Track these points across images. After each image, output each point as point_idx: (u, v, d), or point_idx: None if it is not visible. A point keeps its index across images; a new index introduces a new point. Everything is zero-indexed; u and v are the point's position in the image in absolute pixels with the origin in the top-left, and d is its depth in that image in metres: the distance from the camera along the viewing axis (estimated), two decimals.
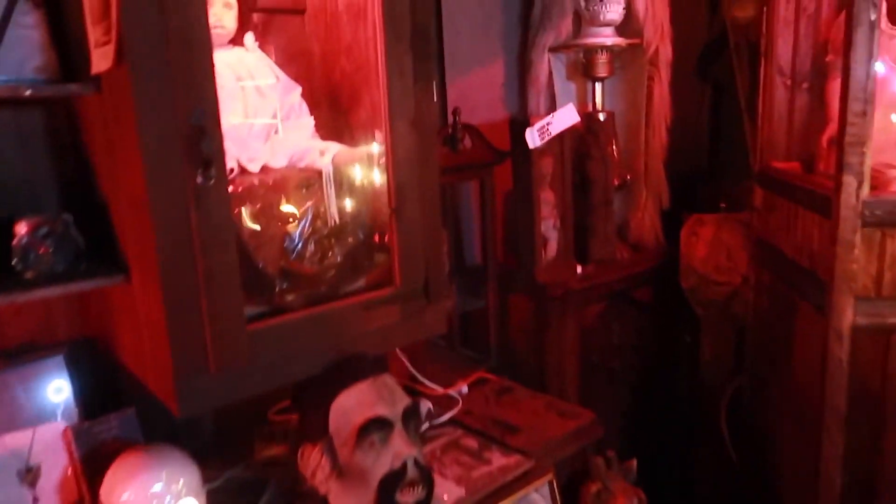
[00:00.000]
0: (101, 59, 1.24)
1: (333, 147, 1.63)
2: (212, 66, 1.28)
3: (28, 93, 1.28)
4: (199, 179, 1.28)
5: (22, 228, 1.37)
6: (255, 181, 1.51)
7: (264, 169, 1.59)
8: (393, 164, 1.57)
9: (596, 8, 2.20)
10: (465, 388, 2.10)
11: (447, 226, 2.26)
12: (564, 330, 2.21)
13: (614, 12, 2.21)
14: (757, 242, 2.13)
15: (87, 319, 1.71)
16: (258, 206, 1.50)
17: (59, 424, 1.56)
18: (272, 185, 1.53)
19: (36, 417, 1.56)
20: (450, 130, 2.03)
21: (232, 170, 1.50)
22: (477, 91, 2.43)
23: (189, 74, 1.25)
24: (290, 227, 1.55)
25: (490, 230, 2.20)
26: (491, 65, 2.45)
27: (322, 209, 1.59)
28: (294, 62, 1.91)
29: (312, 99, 1.86)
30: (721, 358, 2.34)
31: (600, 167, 2.25)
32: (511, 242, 2.35)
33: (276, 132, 1.74)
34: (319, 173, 1.60)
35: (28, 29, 1.47)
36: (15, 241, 1.35)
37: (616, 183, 2.32)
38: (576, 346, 2.25)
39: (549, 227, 2.20)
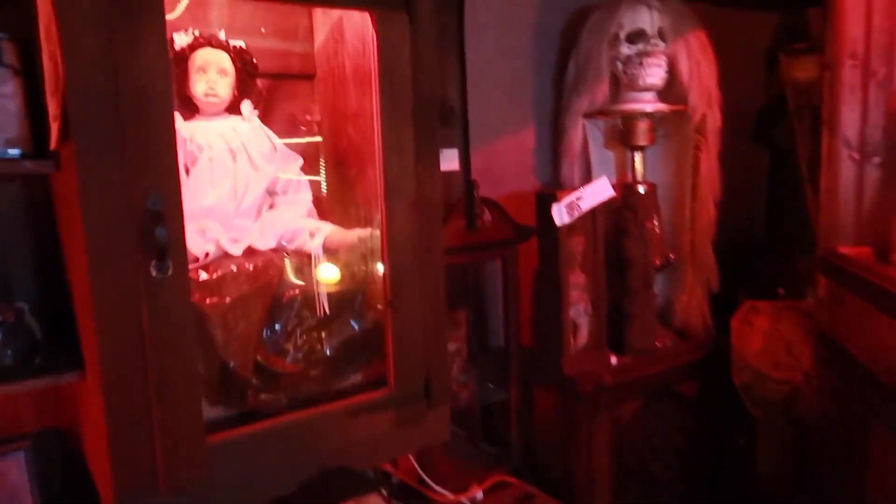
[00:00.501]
0: (55, 134, 1.11)
1: (325, 228, 1.46)
2: (173, 143, 1.13)
3: (29, 165, 1.15)
4: (154, 272, 1.11)
5: None
6: (234, 266, 1.35)
7: (248, 251, 1.43)
8: (388, 250, 1.38)
9: (634, 71, 2.00)
10: (480, 495, 1.85)
11: (468, 305, 2.05)
12: (596, 429, 1.95)
13: (655, 76, 2.00)
14: (821, 338, 1.84)
15: (59, 406, 1.56)
16: (236, 293, 1.33)
17: None
18: (253, 271, 1.36)
19: None
20: (467, 205, 1.83)
21: (207, 254, 1.35)
22: (505, 159, 2.24)
23: (145, 152, 1.10)
24: (273, 318, 1.38)
25: (513, 314, 1.98)
26: (521, 131, 2.27)
27: (310, 297, 1.42)
28: (300, 130, 1.77)
29: (314, 170, 1.72)
30: (780, 469, 2.02)
31: (639, 246, 2.01)
32: (539, 325, 2.12)
33: (271, 206, 1.59)
34: (310, 257, 1.43)
35: (4, 98, 1.38)
36: None
37: (657, 263, 2.07)
38: (609, 448, 1.97)
39: (580, 313, 1.96)
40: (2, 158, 1.28)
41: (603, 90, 2.08)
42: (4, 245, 1.45)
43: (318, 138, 1.75)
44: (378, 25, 1.32)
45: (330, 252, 1.43)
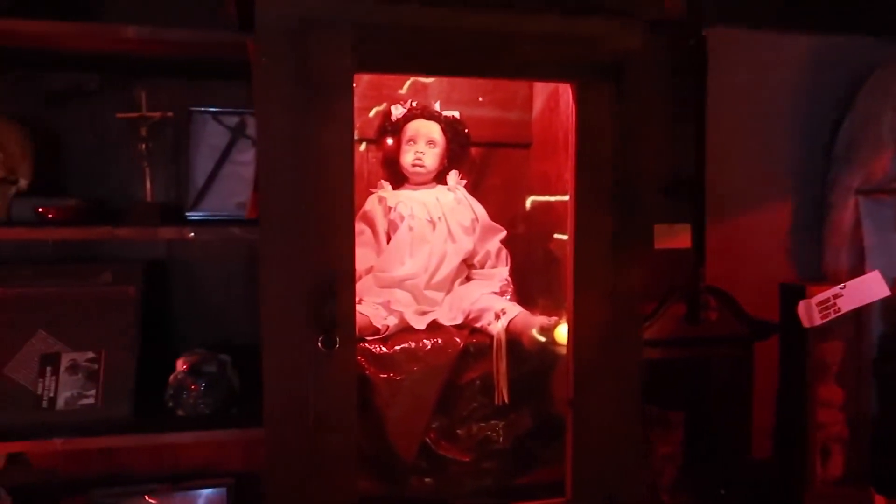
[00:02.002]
0: (250, 204, 1.18)
1: (512, 310, 1.35)
2: (351, 221, 1.12)
3: (236, 231, 1.24)
4: (320, 345, 1.11)
5: (181, 365, 1.35)
6: (412, 343, 1.31)
7: (432, 325, 1.39)
8: (574, 344, 1.23)
9: None
10: None
11: (688, 406, 1.78)
12: None
13: None
14: None
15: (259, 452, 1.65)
16: (412, 370, 1.28)
17: None
18: (432, 349, 1.31)
19: None
20: (690, 294, 1.60)
21: (387, 327, 1.32)
22: (751, 239, 1.93)
23: (323, 229, 1.11)
24: (447, 401, 1.30)
25: (742, 422, 1.66)
26: (773, 206, 1.94)
27: (490, 383, 1.32)
28: (512, 202, 1.71)
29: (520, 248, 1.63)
30: None
31: None
32: (779, 444, 1.76)
33: (468, 279, 1.53)
34: (493, 338, 1.34)
35: (242, 166, 1.53)
36: (171, 378, 1.34)
37: None
38: None
39: (833, 437, 1.58)
40: (229, 221, 1.39)
41: (883, 163, 1.69)
42: (227, 298, 1.59)
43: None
44: (578, 97, 1.21)
45: (514, 337, 1.32)
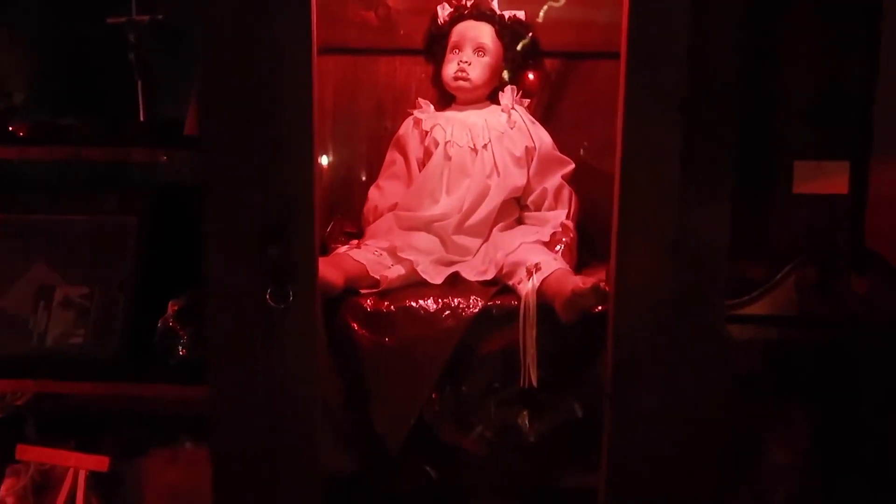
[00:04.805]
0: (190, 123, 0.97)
1: (549, 266, 1.03)
2: (310, 144, 0.86)
3: None
4: (269, 299, 0.88)
5: (171, 307, 1.19)
6: (416, 302, 1.03)
7: (451, 279, 1.11)
8: (615, 314, 0.89)
9: None
10: None
11: (818, 398, 1.35)
12: None
13: None
14: None
15: None
16: (410, 335, 1.02)
17: None
18: (438, 310, 1.03)
19: None
20: (827, 255, 1.16)
21: (387, 279, 1.06)
22: None
23: (275, 155, 0.87)
24: (459, 376, 1.03)
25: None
26: None
27: (515, 358, 1.02)
28: (594, 128, 1.34)
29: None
30: None
31: None
32: None
33: (520, 222, 1.22)
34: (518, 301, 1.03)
35: None
36: (160, 322, 1.18)
37: None
38: None
39: None
40: None
41: None
42: None
43: None
44: None
45: (546, 301, 1.00)
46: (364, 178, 1.35)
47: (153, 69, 1.20)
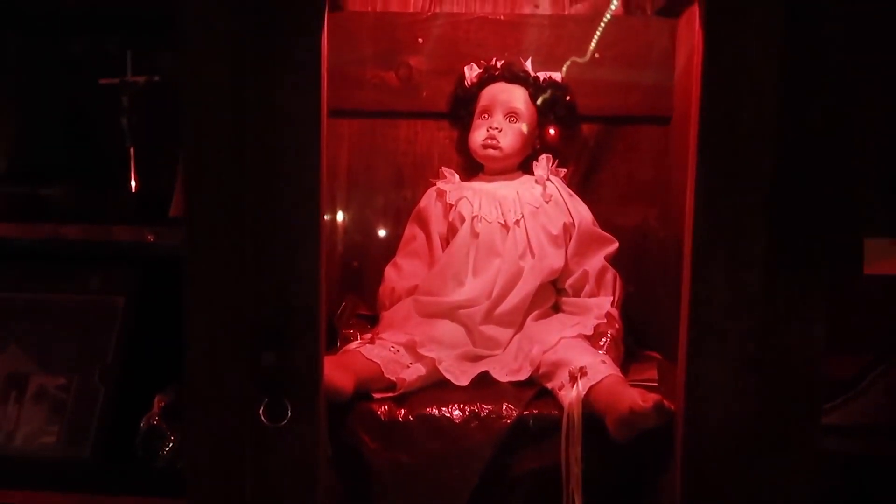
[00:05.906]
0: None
1: (598, 371, 0.86)
2: (317, 232, 0.72)
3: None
4: (262, 416, 0.73)
5: (158, 403, 1.04)
6: (436, 409, 0.87)
7: (480, 380, 0.95)
8: (684, 442, 0.73)
9: None
10: None
11: None
12: None
13: None
14: None
15: None
16: (431, 452, 0.85)
17: None
18: (464, 421, 0.86)
19: None
20: None
21: (402, 380, 0.90)
22: None
23: (274, 243, 0.73)
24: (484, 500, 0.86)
25: None
26: None
27: (555, 483, 0.85)
28: (638, 202, 1.20)
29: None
30: None
31: None
32: None
33: (558, 310, 1.07)
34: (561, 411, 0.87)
35: None
36: (143, 420, 1.03)
37: None
38: None
39: None
40: None
41: None
42: None
43: None
44: (706, 24, 0.69)
45: (595, 413, 0.83)
46: (380, 254, 1.21)
47: (148, 134, 1.08)
